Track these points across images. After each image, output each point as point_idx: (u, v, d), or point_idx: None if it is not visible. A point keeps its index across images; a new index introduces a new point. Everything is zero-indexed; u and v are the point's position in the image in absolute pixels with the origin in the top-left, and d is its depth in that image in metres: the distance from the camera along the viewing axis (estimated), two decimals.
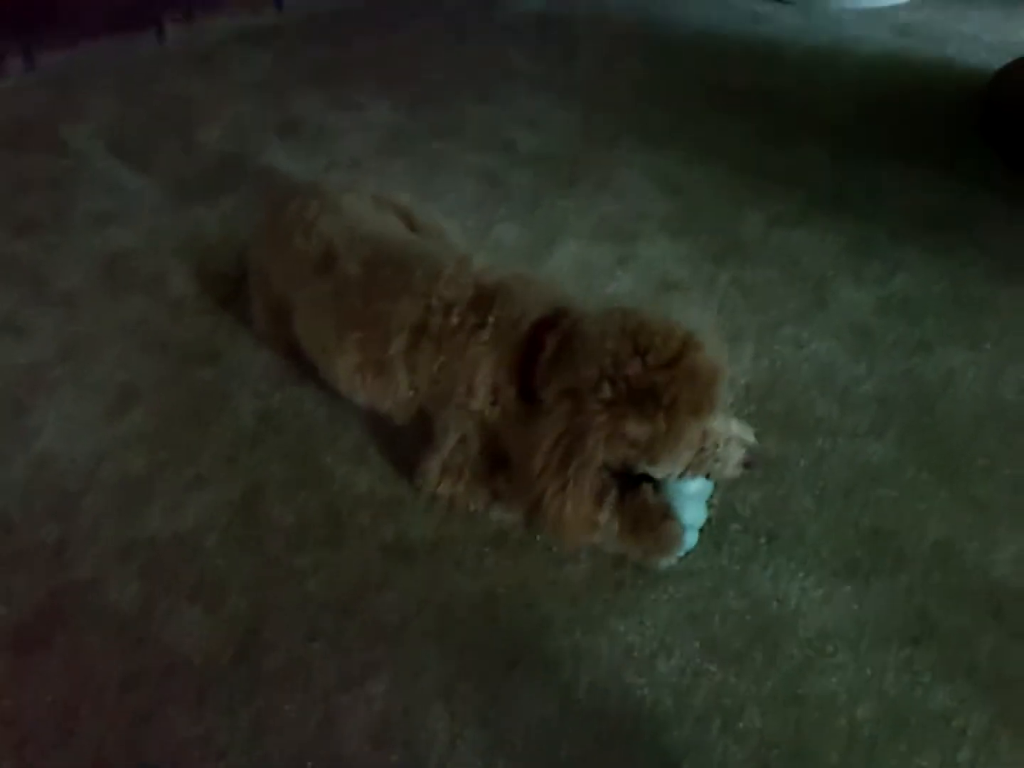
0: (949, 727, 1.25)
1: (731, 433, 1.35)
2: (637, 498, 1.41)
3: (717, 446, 1.34)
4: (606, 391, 1.26)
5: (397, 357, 1.48)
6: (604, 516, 1.39)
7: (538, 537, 1.49)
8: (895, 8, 3.62)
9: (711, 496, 1.48)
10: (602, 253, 2.15)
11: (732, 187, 2.45)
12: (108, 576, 1.40)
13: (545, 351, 1.36)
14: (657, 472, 1.37)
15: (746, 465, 1.37)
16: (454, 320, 1.43)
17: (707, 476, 1.38)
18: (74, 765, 1.18)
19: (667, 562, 1.42)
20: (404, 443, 1.62)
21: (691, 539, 1.43)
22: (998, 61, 2.95)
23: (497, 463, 1.49)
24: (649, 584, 1.43)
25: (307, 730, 1.22)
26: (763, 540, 1.49)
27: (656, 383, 1.25)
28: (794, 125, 2.74)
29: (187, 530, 1.47)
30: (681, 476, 1.37)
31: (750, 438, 1.38)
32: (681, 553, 1.43)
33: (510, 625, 1.36)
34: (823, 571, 1.46)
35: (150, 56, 2.92)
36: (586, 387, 1.28)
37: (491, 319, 1.41)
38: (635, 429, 1.27)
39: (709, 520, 1.47)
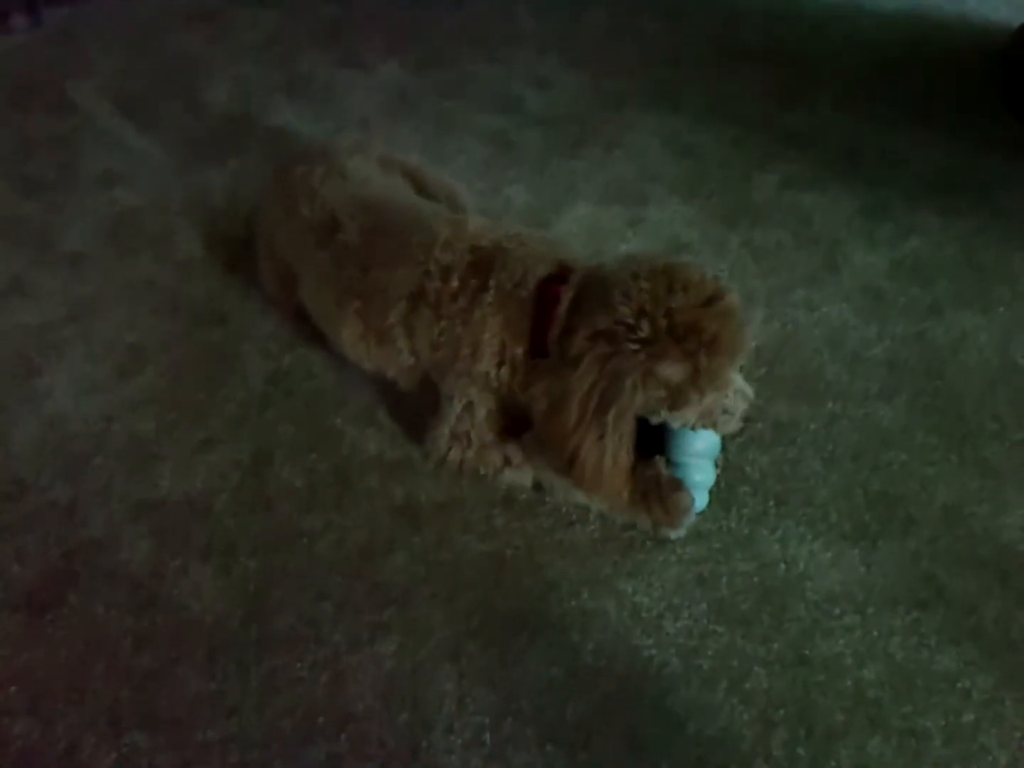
0: (954, 689, 1.26)
1: (738, 385, 1.36)
2: (649, 468, 1.41)
3: (727, 397, 1.35)
4: (644, 328, 1.23)
5: (397, 325, 1.48)
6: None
7: (547, 499, 1.49)
8: None
9: (719, 455, 1.48)
10: (612, 215, 2.13)
11: (744, 148, 2.41)
12: (119, 537, 1.41)
13: (560, 303, 1.34)
14: (676, 420, 1.36)
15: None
16: (453, 284, 1.41)
17: (714, 427, 1.38)
18: (87, 721, 1.19)
19: (677, 533, 1.42)
20: (413, 406, 1.62)
21: (701, 500, 1.43)
22: (1019, 18, 2.89)
23: (506, 428, 1.49)
24: (657, 546, 1.43)
25: (317, 689, 1.24)
26: (772, 503, 1.50)
27: (700, 318, 1.24)
28: (808, 85, 2.69)
29: (197, 491, 1.48)
30: (693, 427, 1.38)
31: (749, 392, 1.38)
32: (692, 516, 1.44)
33: (518, 587, 1.37)
34: (831, 534, 1.46)
35: (156, 13, 2.87)
36: (622, 327, 1.25)
37: (492, 282, 1.39)
38: (671, 369, 1.25)
39: (718, 483, 1.47)
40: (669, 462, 1.43)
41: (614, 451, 1.30)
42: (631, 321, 1.24)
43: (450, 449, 1.49)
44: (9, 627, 1.29)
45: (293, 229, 1.64)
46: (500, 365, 1.42)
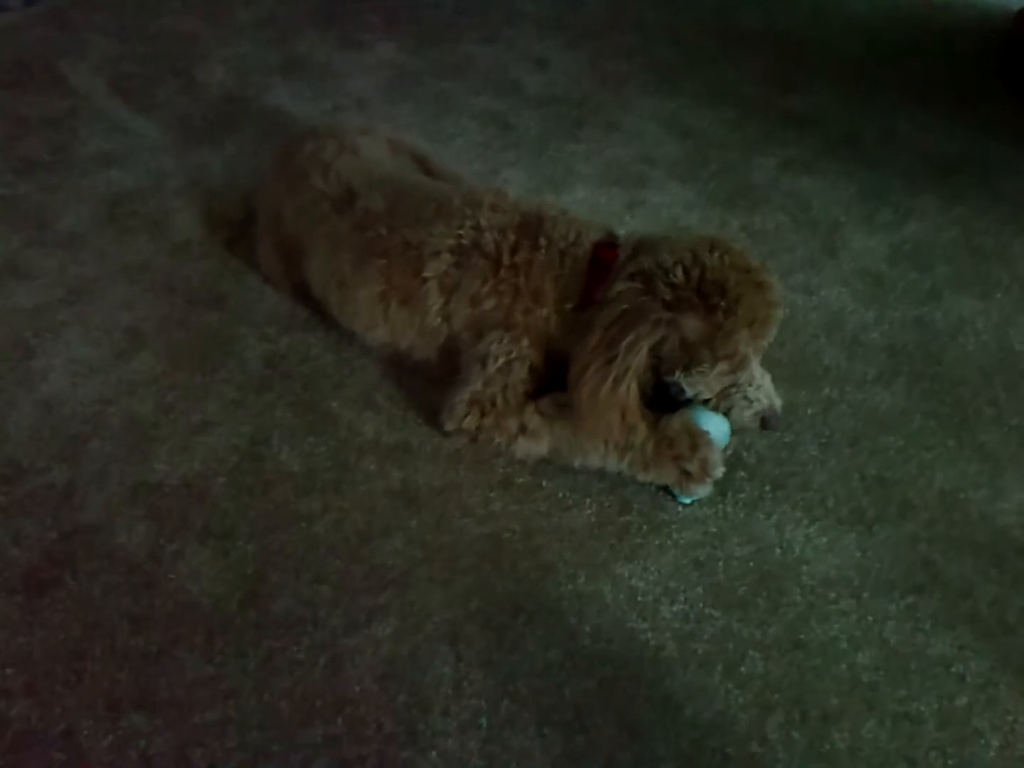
0: (949, 673, 1.27)
1: (765, 382, 1.41)
2: (674, 419, 1.42)
3: (750, 385, 1.38)
4: (678, 275, 1.31)
5: (432, 280, 1.49)
6: (638, 436, 1.40)
7: (543, 483, 1.49)
8: None
9: (726, 448, 1.48)
10: (611, 198, 2.13)
11: (743, 131, 2.41)
12: (117, 519, 1.41)
13: (617, 261, 1.40)
14: (691, 385, 1.40)
15: (763, 422, 1.41)
16: (511, 239, 1.45)
17: (728, 413, 1.42)
18: (84, 704, 1.19)
19: (705, 490, 1.43)
20: (411, 389, 1.62)
21: (703, 487, 1.43)
22: (1019, 1, 2.87)
23: (533, 392, 1.50)
24: (654, 530, 1.43)
25: (315, 672, 1.24)
26: (769, 488, 1.50)
27: (728, 278, 1.31)
28: (807, 67, 2.69)
29: (194, 474, 1.48)
30: (708, 403, 1.42)
31: (778, 400, 1.41)
32: (691, 500, 1.44)
33: (515, 570, 1.37)
34: (828, 519, 1.46)
35: None
36: (659, 270, 1.33)
37: (543, 240, 1.45)
38: (690, 323, 1.32)
39: None
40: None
41: (616, 378, 1.33)
42: (668, 265, 1.32)
43: (467, 416, 1.49)
44: (6, 609, 1.28)
45: (303, 202, 1.65)
46: (558, 313, 1.45)
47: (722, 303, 1.31)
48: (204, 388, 1.62)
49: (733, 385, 1.40)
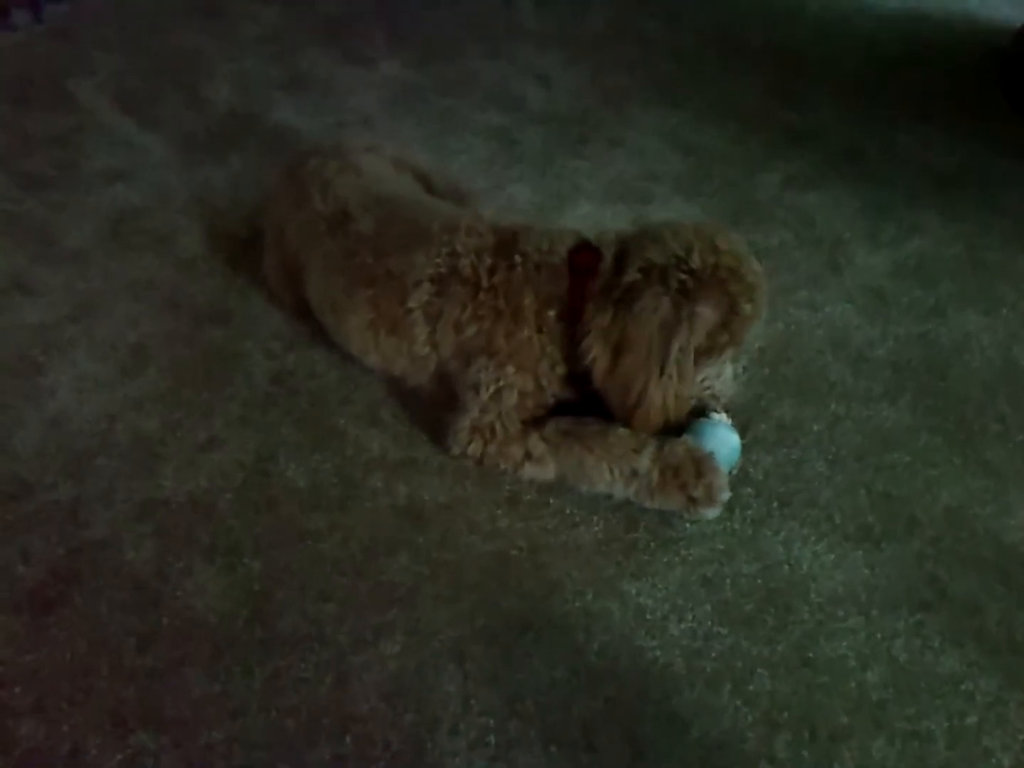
0: (958, 691, 1.27)
1: (729, 373, 1.48)
2: (678, 446, 1.42)
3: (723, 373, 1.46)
4: (696, 260, 1.32)
5: (416, 310, 1.49)
6: (643, 463, 1.41)
7: (550, 500, 1.49)
8: None
9: (736, 465, 1.48)
10: (615, 214, 2.13)
11: (746, 147, 2.42)
12: (123, 536, 1.41)
13: (602, 262, 1.41)
14: (699, 373, 1.43)
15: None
16: (488, 260, 1.45)
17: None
18: (92, 722, 1.19)
19: (713, 513, 1.42)
20: (416, 405, 1.62)
21: (711, 511, 1.43)
22: (1021, 17, 2.89)
23: (531, 420, 1.50)
24: (661, 547, 1.43)
25: (322, 690, 1.24)
26: (776, 504, 1.50)
27: (741, 266, 1.35)
28: (809, 83, 2.70)
29: (201, 491, 1.48)
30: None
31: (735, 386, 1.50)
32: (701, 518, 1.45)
33: (522, 587, 1.37)
34: (835, 536, 1.46)
35: (156, 9, 2.87)
36: (674, 259, 1.34)
37: (517, 257, 1.44)
38: (709, 311, 1.34)
39: None
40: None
41: (677, 389, 1.37)
42: (682, 254, 1.33)
43: (471, 443, 1.49)
44: (13, 627, 1.28)
45: (303, 220, 1.65)
46: (540, 330, 1.44)
47: (739, 289, 1.34)
48: (210, 405, 1.62)
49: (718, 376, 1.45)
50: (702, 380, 1.44)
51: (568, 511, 1.48)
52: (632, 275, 1.36)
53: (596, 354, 1.39)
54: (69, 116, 2.33)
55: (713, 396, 1.47)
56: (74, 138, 2.25)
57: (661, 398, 1.37)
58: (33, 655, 1.26)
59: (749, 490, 1.51)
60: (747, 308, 1.35)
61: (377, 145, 1.86)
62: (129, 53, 2.63)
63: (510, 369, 1.45)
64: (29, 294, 1.81)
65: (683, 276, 1.33)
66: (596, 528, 1.45)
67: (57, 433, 1.55)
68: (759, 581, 1.39)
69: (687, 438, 1.44)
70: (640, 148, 2.40)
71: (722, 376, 1.47)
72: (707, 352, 1.38)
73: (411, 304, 1.49)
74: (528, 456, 1.48)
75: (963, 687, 1.27)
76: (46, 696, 1.21)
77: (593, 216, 2.12)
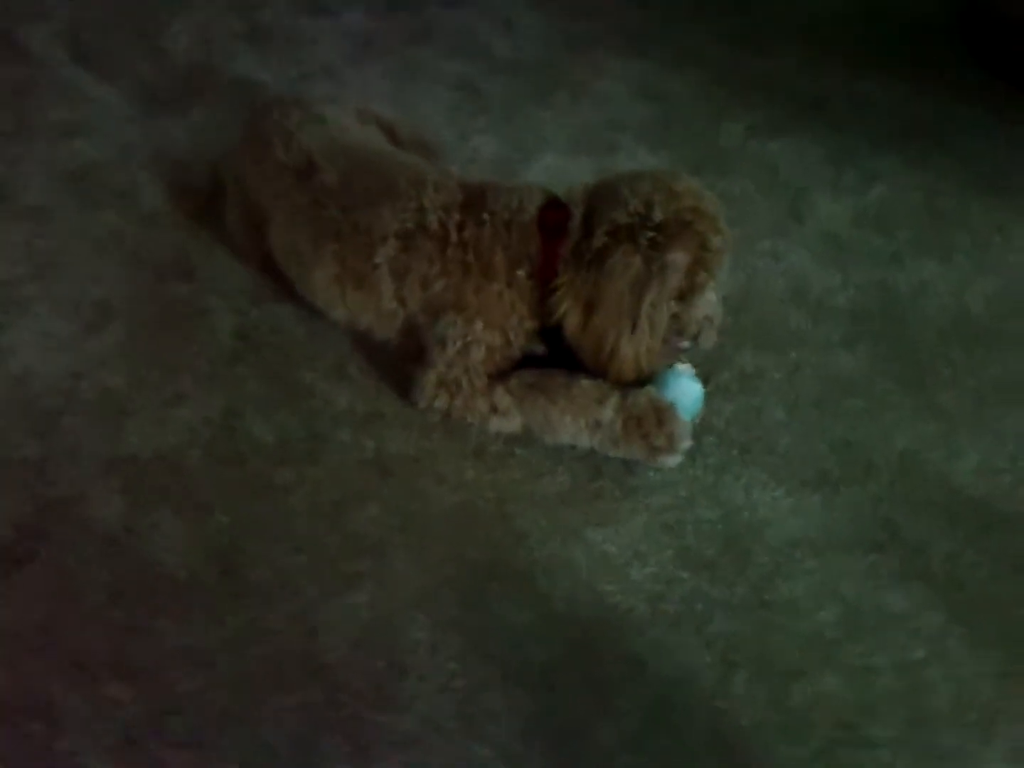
0: (905, 628, 1.32)
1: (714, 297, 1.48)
2: (640, 396, 1.44)
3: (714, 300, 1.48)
4: (657, 214, 1.36)
5: (383, 266, 1.50)
6: (607, 414, 1.44)
7: (516, 451, 1.51)
8: None
9: (698, 414, 1.51)
10: (580, 165, 2.12)
11: (711, 95, 2.41)
12: (91, 492, 1.42)
13: (572, 220, 1.43)
14: (684, 315, 1.45)
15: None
16: (456, 217, 1.46)
17: (697, 338, 1.49)
18: (62, 673, 1.21)
19: (674, 460, 1.46)
20: (383, 360, 1.63)
21: (672, 459, 1.46)
22: None
23: (497, 374, 1.52)
24: (625, 496, 1.46)
25: (292, 639, 1.27)
26: (736, 452, 1.53)
27: (700, 203, 1.39)
28: (774, 29, 2.68)
29: (168, 447, 1.49)
30: (691, 336, 1.49)
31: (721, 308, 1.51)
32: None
33: (489, 537, 1.40)
34: (793, 481, 1.50)
35: None
36: (636, 217, 1.36)
37: (486, 215, 1.46)
38: (680, 255, 1.36)
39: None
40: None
41: (649, 343, 1.40)
42: (643, 211, 1.35)
43: (437, 397, 1.51)
44: None
45: (267, 171, 1.64)
46: (509, 286, 1.46)
47: (705, 226, 1.37)
48: (176, 361, 1.62)
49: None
50: (696, 312, 1.46)
51: (534, 462, 1.50)
52: (600, 239, 1.38)
53: (568, 311, 1.42)
54: (22, 66, 2.28)
55: (709, 320, 1.48)
56: (29, 90, 2.20)
57: (634, 352, 1.40)
58: (2, 610, 1.27)
59: (711, 438, 1.55)
60: (716, 240, 1.39)
61: (339, 97, 1.85)
62: (81, 2, 2.56)
63: (478, 324, 1.47)
64: None
65: (650, 233, 1.35)
66: (561, 478, 1.48)
67: (21, 391, 1.55)
68: (719, 527, 1.43)
69: (650, 388, 1.46)
70: (605, 97, 2.38)
71: (712, 303, 1.49)
72: (690, 291, 1.41)
73: (377, 260, 1.50)
74: (494, 409, 1.50)
75: (910, 624, 1.32)
76: (16, 651, 1.24)
77: (559, 168, 2.11)
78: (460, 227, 1.46)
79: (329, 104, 1.78)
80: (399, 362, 1.61)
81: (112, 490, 1.43)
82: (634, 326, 1.38)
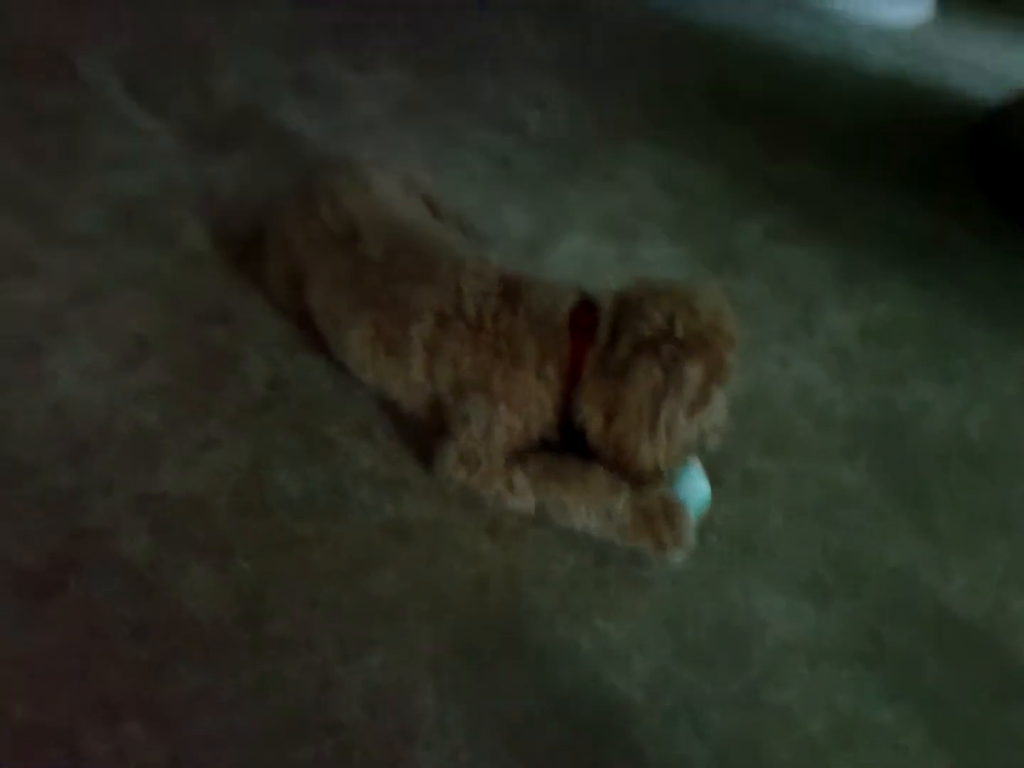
0: (891, 743, 1.38)
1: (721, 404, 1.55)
2: (652, 492, 1.52)
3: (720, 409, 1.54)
4: (679, 329, 1.44)
5: (417, 339, 1.57)
6: (619, 506, 1.51)
7: (529, 530, 1.57)
8: (903, 28, 3.69)
9: (702, 514, 1.58)
10: (604, 249, 2.22)
11: (732, 194, 2.53)
12: (121, 527, 1.46)
13: (600, 325, 1.51)
14: (691, 428, 1.51)
15: None
16: (492, 305, 1.54)
17: (704, 443, 1.56)
18: (84, 708, 1.25)
19: (680, 556, 1.52)
20: (407, 426, 1.69)
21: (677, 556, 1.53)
22: (997, 94, 3.04)
23: (516, 456, 1.58)
24: (630, 586, 1.53)
25: (308, 694, 1.31)
26: (738, 552, 1.60)
27: (720, 319, 1.48)
28: (795, 137, 2.82)
29: (197, 490, 1.53)
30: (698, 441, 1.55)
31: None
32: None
33: (499, 612, 1.46)
34: (790, 585, 1.57)
35: None
36: (659, 333, 1.45)
37: (521, 308, 1.54)
38: (697, 369, 1.44)
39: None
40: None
41: (667, 448, 1.49)
42: (665, 327, 1.44)
43: (456, 469, 1.57)
44: (13, 610, 1.33)
45: (311, 232, 1.72)
46: (537, 378, 1.54)
47: (722, 344, 1.46)
48: (208, 404, 1.67)
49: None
50: (704, 422, 1.53)
51: (546, 542, 1.56)
52: (625, 350, 1.46)
53: (590, 416, 1.51)
54: (76, 93, 2.35)
55: (716, 429, 1.56)
56: (81, 117, 2.28)
57: (653, 456, 1.48)
58: (29, 638, 1.31)
59: (714, 536, 1.62)
60: (730, 357, 1.48)
61: (387, 161, 1.93)
62: (137, 32, 2.65)
63: (502, 408, 1.54)
64: (30, 275, 1.84)
65: (670, 346, 1.44)
66: (571, 561, 1.54)
67: (59, 419, 1.59)
68: (717, 624, 1.50)
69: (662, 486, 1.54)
70: (631, 184, 2.49)
71: (719, 410, 1.55)
72: (701, 403, 1.48)
73: (412, 333, 1.57)
74: (510, 488, 1.56)
75: (898, 740, 1.38)
76: (40, 680, 1.27)
77: (584, 250, 2.21)
78: (495, 315, 1.54)
79: (378, 170, 1.85)
80: (422, 431, 1.67)
81: (141, 526, 1.47)
82: (653, 432, 1.47)
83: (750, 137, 2.76)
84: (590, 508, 1.53)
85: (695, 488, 1.57)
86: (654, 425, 1.45)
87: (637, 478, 1.53)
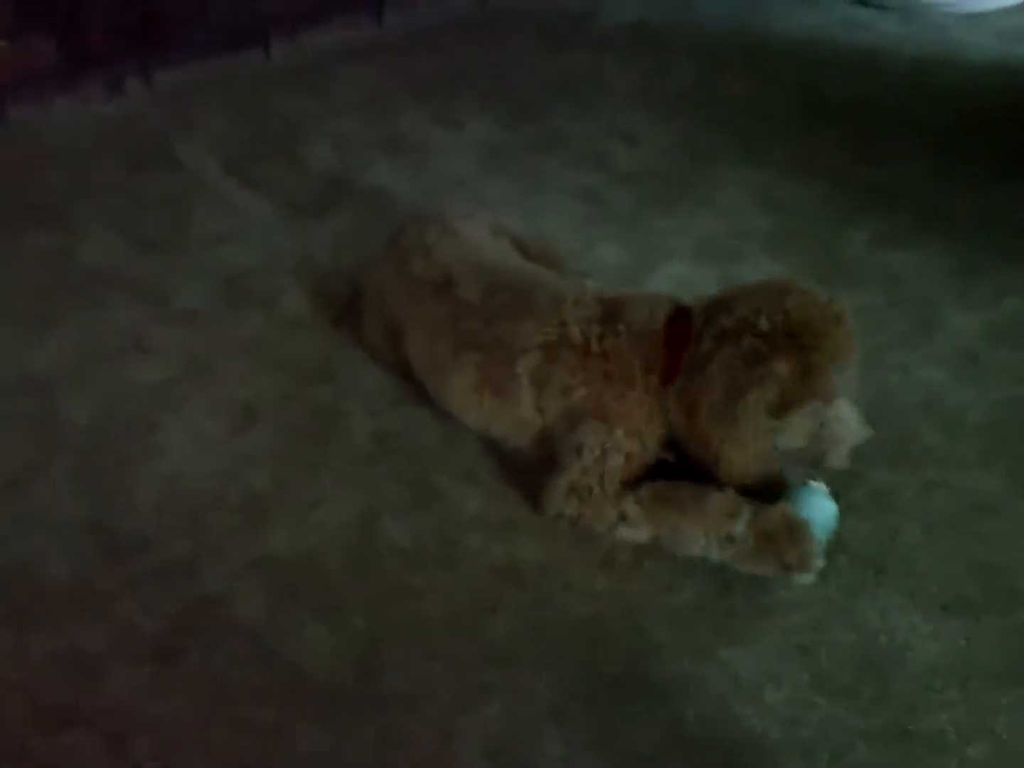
0: None
1: (850, 416, 1.47)
2: (773, 512, 1.46)
3: (837, 422, 1.45)
4: (763, 323, 1.39)
5: (523, 376, 1.57)
6: (739, 529, 1.45)
7: (645, 562, 1.52)
8: (1000, 12, 3.51)
9: (832, 531, 1.50)
10: (705, 274, 2.16)
11: (832, 204, 2.43)
12: (236, 591, 1.48)
13: (692, 329, 1.49)
14: (782, 435, 1.45)
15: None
16: (596, 329, 1.53)
17: (822, 458, 1.48)
18: None
19: (807, 579, 1.44)
20: (513, 465, 1.67)
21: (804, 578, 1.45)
22: None
23: (629, 482, 1.54)
24: (756, 614, 1.45)
25: (429, 747, 1.28)
26: (871, 572, 1.50)
27: (812, 317, 1.41)
28: (895, 139, 2.70)
29: (309, 548, 1.55)
30: (800, 453, 1.48)
31: (861, 430, 1.49)
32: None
33: (619, 650, 1.40)
34: (932, 605, 1.46)
35: (257, 73, 3.01)
36: (744, 325, 1.41)
37: (622, 325, 1.52)
38: (782, 366, 1.37)
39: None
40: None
41: (755, 447, 1.43)
42: (750, 318, 1.40)
43: (567, 503, 1.54)
44: (137, 679, 1.35)
45: (405, 286, 1.75)
46: (647, 393, 1.52)
47: (810, 341, 1.39)
48: (316, 463, 1.69)
49: (823, 424, 1.45)
50: (820, 426, 1.46)
51: (663, 574, 1.51)
52: (708, 343, 1.44)
53: (675, 414, 1.49)
54: (179, 179, 2.46)
55: (834, 440, 1.47)
56: (184, 201, 2.38)
57: (739, 455, 1.44)
58: (156, 706, 1.33)
59: (844, 557, 1.52)
60: (820, 357, 1.40)
61: (473, 212, 1.94)
62: (232, 116, 2.75)
63: (619, 432, 1.51)
64: (146, 353, 1.92)
65: (752, 339, 1.39)
66: (691, 592, 1.48)
67: (173, 489, 1.64)
68: (856, 650, 1.40)
69: (783, 504, 1.46)
70: (727, 207, 2.43)
71: (841, 421, 1.48)
72: (788, 405, 1.41)
73: (519, 370, 1.56)
74: (623, 518, 1.52)
75: None
76: (170, 748, 1.28)
77: (683, 276, 2.15)
78: (600, 339, 1.53)
79: (465, 219, 1.87)
80: (528, 469, 1.64)
81: (256, 590, 1.48)
82: (734, 427, 1.41)
83: (846, 144, 2.66)
84: (709, 533, 1.47)
85: (820, 506, 1.49)
86: (734, 420, 1.40)
87: (729, 480, 1.48)
